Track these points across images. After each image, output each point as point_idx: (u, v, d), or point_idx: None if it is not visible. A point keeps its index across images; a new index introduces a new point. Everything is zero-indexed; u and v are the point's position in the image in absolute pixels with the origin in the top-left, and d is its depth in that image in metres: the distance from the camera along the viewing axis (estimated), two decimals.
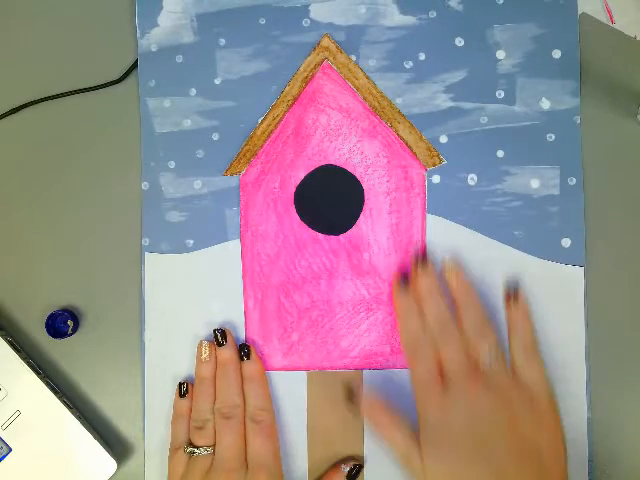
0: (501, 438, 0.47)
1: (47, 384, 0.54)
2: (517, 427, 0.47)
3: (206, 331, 0.55)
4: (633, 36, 0.55)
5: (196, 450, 0.51)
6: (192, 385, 0.54)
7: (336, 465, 0.53)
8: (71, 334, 0.55)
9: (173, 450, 0.52)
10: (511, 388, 0.49)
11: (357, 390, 0.53)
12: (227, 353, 0.53)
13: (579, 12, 0.54)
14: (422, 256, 0.53)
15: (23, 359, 0.54)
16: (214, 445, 0.51)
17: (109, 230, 0.56)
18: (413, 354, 0.51)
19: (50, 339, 0.54)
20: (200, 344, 0.54)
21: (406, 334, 0.52)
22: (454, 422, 0.48)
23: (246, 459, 0.51)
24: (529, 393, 0.49)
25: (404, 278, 0.53)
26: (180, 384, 0.54)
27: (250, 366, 0.53)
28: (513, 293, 0.52)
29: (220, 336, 0.53)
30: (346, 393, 0.54)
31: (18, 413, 0.53)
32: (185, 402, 0.53)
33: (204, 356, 0.53)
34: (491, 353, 0.49)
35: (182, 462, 0.51)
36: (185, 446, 0.52)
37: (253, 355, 0.54)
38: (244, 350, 0.54)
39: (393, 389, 0.54)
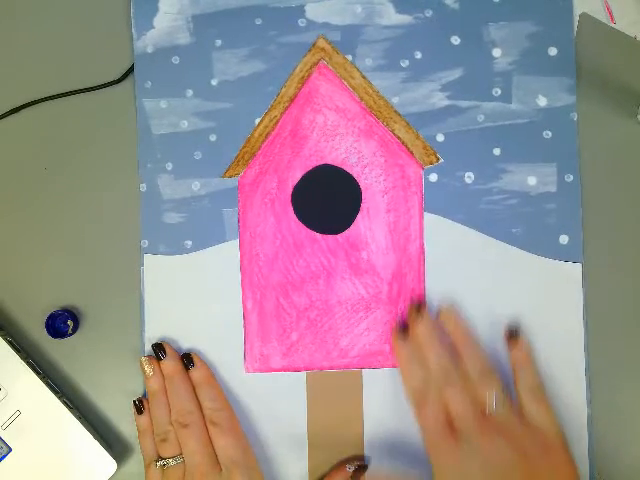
0: None
1: (47, 384, 0.54)
2: (532, 473, 0.47)
3: (205, 332, 0.55)
4: (633, 36, 0.54)
5: (166, 462, 0.51)
6: (147, 400, 0.54)
7: (340, 465, 0.53)
8: (71, 334, 0.55)
9: (146, 467, 0.53)
10: (521, 432, 0.48)
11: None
12: (170, 365, 0.53)
13: (579, 12, 0.54)
14: (418, 303, 0.53)
15: (23, 359, 0.54)
16: (182, 454, 0.52)
17: (109, 230, 0.56)
18: (419, 404, 0.51)
19: (50, 339, 0.54)
20: (141, 362, 0.54)
21: (410, 384, 0.52)
22: (469, 470, 0.47)
23: (219, 461, 0.51)
24: (540, 437, 0.49)
25: (402, 328, 0.53)
26: (134, 402, 0.54)
27: (196, 373, 0.54)
28: (514, 335, 0.52)
29: (158, 351, 0.54)
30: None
31: (18, 413, 0.53)
32: (144, 418, 0.53)
33: (148, 372, 0.53)
34: (497, 397, 0.49)
35: (157, 476, 0.52)
36: (155, 460, 0.52)
37: (196, 362, 0.54)
38: (186, 359, 0.54)
39: (392, 388, 0.54)
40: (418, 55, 0.54)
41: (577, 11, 0.54)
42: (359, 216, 0.54)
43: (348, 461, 0.54)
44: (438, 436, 0.49)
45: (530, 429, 0.49)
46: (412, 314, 0.53)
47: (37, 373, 0.54)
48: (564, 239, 0.53)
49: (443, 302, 0.54)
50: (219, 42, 0.55)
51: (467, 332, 0.52)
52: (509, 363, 0.52)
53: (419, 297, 0.54)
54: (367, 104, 0.54)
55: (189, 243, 0.55)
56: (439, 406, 0.50)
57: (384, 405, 0.54)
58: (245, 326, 0.55)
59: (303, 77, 0.55)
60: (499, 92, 0.54)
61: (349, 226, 0.54)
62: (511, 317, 0.53)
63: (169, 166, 0.55)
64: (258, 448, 0.54)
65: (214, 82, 0.55)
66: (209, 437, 0.52)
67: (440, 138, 0.54)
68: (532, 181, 0.54)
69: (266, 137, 0.55)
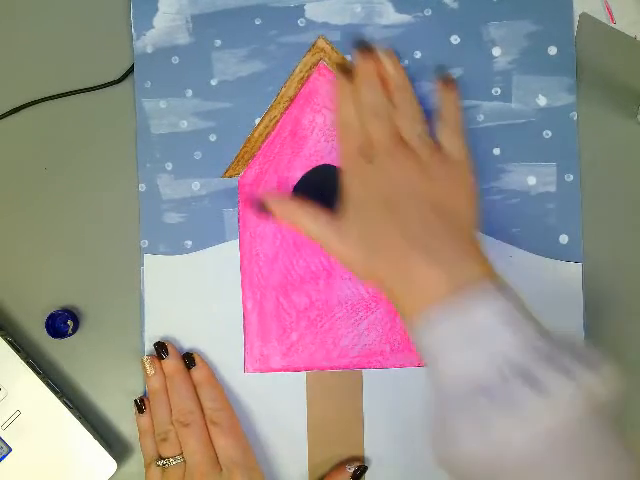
0: (414, 200, 0.47)
1: (47, 384, 0.54)
2: (432, 191, 0.48)
3: (205, 332, 0.55)
4: (633, 36, 0.54)
5: (166, 462, 0.51)
6: (148, 400, 0.54)
7: (339, 466, 0.53)
8: (71, 334, 0.55)
9: (146, 466, 0.53)
10: (431, 158, 0.49)
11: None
12: (171, 364, 0.54)
13: (579, 12, 0.54)
14: (364, 44, 0.52)
15: (23, 359, 0.54)
16: (183, 454, 0.52)
17: (109, 230, 0.56)
18: (342, 133, 0.51)
19: (50, 339, 0.54)
20: (142, 361, 0.54)
21: (339, 117, 0.52)
22: (372, 189, 0.48)
23: (219, 461, 0.51)
24: (448, 163, 0.49)
25: (345, 68, 0.52)
26: (135, 401, 0.54)
27: (197, 372, 0.54)
28: (445, 78, 0.52)
29: (160, 350, 0.54)
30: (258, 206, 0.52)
31: (18, 413, 0.53)
32: (145, 418, 0.53)
33: (149, 372, 0.53)
34: (416, 127, 0.50)
35: (157, 476, 0.52)
36: (156, 460, 0.52)
37: (198, 361, 0.54)
38: (188, 359, 0.54)
39: (393, 388, 0.54)
40: (418, 54, 0.54)
41: (577, 11, 0.54)
42: None
43: (348, 461, 0.54)
44: (351, 162, 0.50)
45: (441, 157, 0.49)
46: (357, 52, 0.52)
47: (37, 373, 0.54)
48: (564, 239, 0.53)
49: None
50: (218, 42, 0.55)
51: (404, 77, 0.52)
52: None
53: (364, 40, 0.53)
54: None
55: (189, 243, 0.55)
56: (360, 134, 0.50)
57: (384, 405, 0.54)
58: (245, 326, 0.55)
59: (303, 77, 0.55)
60: (499, 91, 0.54)
61: None
62: None
63: (169, 166, 0.55)
64: (258, 448, 0.54)
65: (214, 82, 0.55)
66: (209, 437, 0.52)
67: None
68: (532, 181, 0.54)
69: (266, 137, 0.55)
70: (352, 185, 0.49)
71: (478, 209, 0.49)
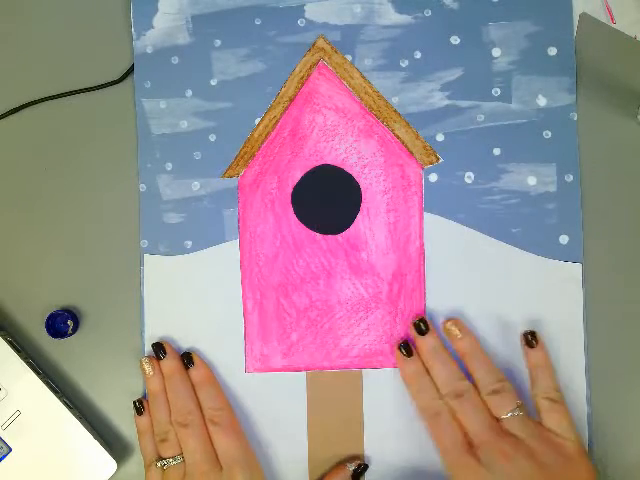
0: None
1: (47, 384, 0.54)
2: None
3: (205, 332, 0.55)
4: (633, 36, 0.54)
5: (166, 462, 0.51)
6: (147, 401, 0.54)
7: (340, 464, 0.53)
8: (71, 334, 0.55)
9: (146, 467, 0.53)
10: (541, 447, 0.48)
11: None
12: (169, 364, 0.54)
13: (579, 12, 0.54)
14: (420, 319, 0.52)
15: (23, 359, 0.54)
16: (182, 454, 0.52)
17: (109, 231, 0.56)
18: (433, 424, 0.50)
19: (50, 339, 0.54)
20: (141, 362, 0.54)
21: (420, 403, 0.51)
22: None
23: (219, 460, 0.51)
24: (561, 448, 0.48)
25: (404, 345, 0.52)
26: (134, 403, 0.54)
27: (196, 372, 0.54)
28: (530, 338, 0.52)
29: (158, 350, 0.54)
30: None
31: (18, 413, 0.53)
32: (144, 419, 0.54)
33: (148, 372, 0.54)
34: (514, 414, 0.49)
35: (157, 476, 0.52)
36: (155, 460, 0.52)
37: (196, 361, 0.54)
38: (186, 358, 0.54)
39: (392, 388, 0.54)
40: (418, 55, 0.54)
41: (577, 11, 0.54)
42: (359, 216, 0.54)
43: (348, 460, 0.54)
44: (458, 458, 0.49)
45: (550, 443, 0.48)
46: (415, 330, 0.52)
47: (37, 373, 0.54)
48: (564, 239, 0.53)
49: (446, 317, 0.53)
50: (218, 42, 0.55)
51: (474, 344, 0.51)
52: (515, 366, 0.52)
53: (420, 313, 0.54)
54: (367, 104, 0.54)
55: (189, 243, 0.55)
56: (454, 426, 0.49)
57: (384, 405, 0.54)
58: (245, 326, 0.55)
59: (303, 77, 0.55)
60: (499, 92, 0.54)
61: (349, 226, 0.54)
62: (511, 317, 0.53)
63: (169, 166, 0.55)
64: (258, 447, 0.54)
65: (213, 82, 0.55)
66: (209, 436, 0.52)
67: (440, 138, 0.54)
68: (532, 181, 0.54)
69: (266, 137, 0.55)
70: None
71: None
